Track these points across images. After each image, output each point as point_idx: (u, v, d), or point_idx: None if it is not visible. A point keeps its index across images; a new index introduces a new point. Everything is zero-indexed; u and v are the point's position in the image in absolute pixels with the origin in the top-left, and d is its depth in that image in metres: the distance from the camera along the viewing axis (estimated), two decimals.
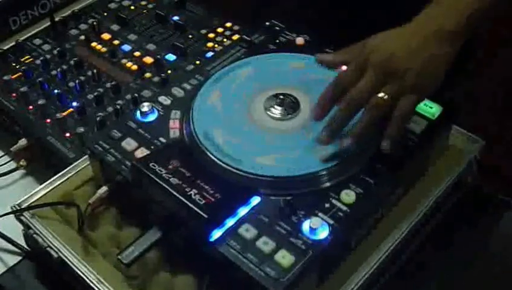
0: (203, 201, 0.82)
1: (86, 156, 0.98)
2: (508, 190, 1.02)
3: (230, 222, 0.82)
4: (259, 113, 0.94)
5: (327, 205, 0.83)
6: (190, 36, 1.23)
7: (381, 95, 0.85)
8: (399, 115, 0.86)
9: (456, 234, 0.97)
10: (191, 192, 0.83)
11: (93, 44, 1.23)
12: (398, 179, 0.89)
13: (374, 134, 0.87)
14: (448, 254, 0.95)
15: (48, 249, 0.91)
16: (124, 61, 1.19)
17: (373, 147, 0.88)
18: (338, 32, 1.02)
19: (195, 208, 0.81)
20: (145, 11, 1.31)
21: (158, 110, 0.97)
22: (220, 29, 1.24)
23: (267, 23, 1.14)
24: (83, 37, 1.25)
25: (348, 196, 0.84)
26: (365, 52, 0.88)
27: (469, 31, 0.88)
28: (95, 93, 1.11)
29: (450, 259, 0.95)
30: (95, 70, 1.15)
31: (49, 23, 1.27)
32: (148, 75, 1.16)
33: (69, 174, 0.99)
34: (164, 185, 0.84)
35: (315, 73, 0.99)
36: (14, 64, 1.20)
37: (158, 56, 1.18)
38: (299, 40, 1.08)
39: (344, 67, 0.91)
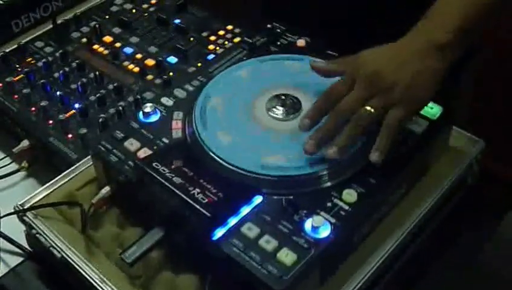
0: (206, 200, 0.82)
1: (89, 156, 0.99)
2: (509, 191, 1.02)
3: (232, 221, 0.82)
4: (262, 114, 0.94)
5: (329, 204, 0.84)
6: (191, 39, 1.24)
7: (367, 108, 0.86)
8: (386, 128, 0.87)
9: (456, 235, 0.97)
10: (194, 191, 0.83)
11: (95, 46, 1.24)
12: (399, 179, 0.90)
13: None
14: (448, 255, 0.95)
15: (51, 249, 0.91)
16: (125, 63, 1.20)
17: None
18: (339, 34, 1.03)
19: (198, 207, 0.81)
20: (146, 14, 1.32)
21: (160, 111, 0.98)
22: (221, 32, 1.24)
23: (269, 26, 1.15)
24: (85, 40, 1.26)
25: (350, 195, 0.84)
26: (356, 66, 0.89)
27: (463, 43, 0.89)
28: (97, 95, 1.12)
29: (451, 259, 0.95)
30: (97, 72, 1.16)
31: (51, 26, 1.28)
32: (149, 77, 1.16)
33: (72, 175, 0.99)
34: (167, 184, 0.84)
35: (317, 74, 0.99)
36: (16, 66, 1.21)
37: (160, 58, 1.19)
38: (300, 42, 1.09)
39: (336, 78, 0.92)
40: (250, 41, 1.17)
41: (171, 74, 1.16)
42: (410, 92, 0.86)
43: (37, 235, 0.93)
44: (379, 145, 0.86)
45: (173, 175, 0.85)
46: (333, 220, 0.82)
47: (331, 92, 0.90)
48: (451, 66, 0.89)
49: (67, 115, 1.09)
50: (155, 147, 0.92)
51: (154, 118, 0.97)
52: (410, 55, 0.88)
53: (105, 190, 0.94)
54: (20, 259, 0.98)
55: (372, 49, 0.90)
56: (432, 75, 0.87)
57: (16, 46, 1.24)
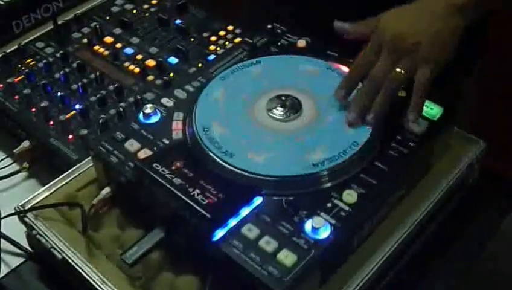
0: (206, 201, 0.82)
1: (89, 157, 0.99)
2: (509, 190, 1.02)
3: (233, 222, 0.82)
4: (262, 114, 0.94)
5: (329, 205, 0.83)
6: (192, 39, 1.24)
7: (397, 70, 0.90)
8: (418, 86, 0.90)
9: (457, 235, 0.97)
10: (194, 192, 0.83)
11: (96, 47, 1.24)
12: (399, 179, 0.90)
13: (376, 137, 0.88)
14: (449, 255, 0.95)
15: (52, 250, 0.91)
16: (126, 64, 1.20)
17: (374, 148, 0.89)
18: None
19: (198, 208, 0.81)
20: (147, 14, 1.32)
21: (161, 112, 0.98)
22: (222, 32, 1.24)
23: (269, 26, 1.15)
24: (85, 40, 1.26)
25: (350, 196, 0.84)
26: (380, 30, 0.92)
27: (478, 7, 0.92)
28: (98, 96, 1.12)
29: (452, 259, 0.95)
30: (97, 73, 1.16)
31: (52, 27, 1.28)
32: (150, 77, 1.16)
33: (73, 176, 1.00)
34: (167, 185, 0.84)
35: (317, 75, 0.99)
36: (17, 67, 1.21)
37: (160, 59, 1.19)
38: (301, 43, 1.09)
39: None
40: (251, 41, 1.17)
41: (171, 74, 1.16)
42: (433, 51, 0.90)
43: (38, 236, 0.93)
44: (415, 105, 0.90)
45: (173, 176, 0.85)
46: (333, 221, 0.82)
47: (361, 61, 0.94)
48: (467, 28, 0.92)
49: (68, 115, 1.09)
50: (155, 148, 0.92)
51: (154, 119, 0.97)
52: (430, 16, 0.91)
53: (106, 190, 0.94)
54: (21, 260, 0.98)
55: (392, 11, 0.94)
56: (452, 34, 0.91)
57: (16, 46, 1.24)
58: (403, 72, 0.90)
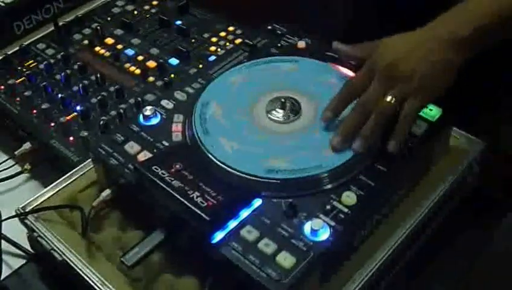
0: (205, 203, 0.82)
1: (90, 159, 0.99)
2: (509, 191, 1.02)
3: (232, 224, 0.82)
4: (261, 116, 0.94)
5: (328, 207, 0.84)
6: (193, 40, 1.24)
7: (388, 99, 0.87)
8: (404, 117, 0.88)
9: (457, 236, 0.97)
10: (193, 195, 0.83)
11: (97, 48, 1.24)
12: (399, 181, 0.90)
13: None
14: (449, 256, 0.95)
15: (52, 251, 0.92)
16: (127, 65, 1.20)
17: (374, 149, 0.89)
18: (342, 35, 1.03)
19: (198, 211, 0.81)
20: (148, 15, 1.32)
21: (161, 114, 0.98)
22: (222, 33, 1.25)
23: (269, 27, 1.15)
24: (86, 42, 1.26)
25: (349, 197, 0.84)
26: (376, 56, 0.90)
27: (481, 43, 0.89)
28: (99, 97, 1.12)
29: (452, 260, 0.95)
30: (98, 75, 1.16)
31: (53, 28, 1.29)
32: (151, 79, 1.16)
33: (73, 178, 1.00)
34: (166, 187, 0.84)
35: (317, 76, 1.00)
36: (18, 68, 1.21)
37: (161, 60, 1.19)
38: (301, 44, 1.09)
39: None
40: (251, 42, 1.17)
41: (172, 75, 1.16)
42: (427, 82, 0.88)
43: (38, 238, 0.93)
44: (397, 135, 0.88)
45: (173, 178, 0.85)
46: (332, 223, 0.82)
47: (353, 84, 0.92)
48: (466, 61, 0.90)
49: (69, 117, 1.10)
50: (155, 150, 0.92)
51: (154, 121, 0.97)
52: (430, 45, 0.89)
53: (106, 192, 0.94)
54: (23, 261, 0.99)
55: (392, 37, 0.92)
56: (449, 67, 0.89)
57: (17, 48, 1.25)
58: (393, 101, 0.87)
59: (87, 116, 1.10)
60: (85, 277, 0.88)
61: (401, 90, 0.87)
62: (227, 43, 1.22)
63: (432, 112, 0.94)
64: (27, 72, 1.18)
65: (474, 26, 0.88)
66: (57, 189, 0.99)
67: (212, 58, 1.18)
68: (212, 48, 1.21)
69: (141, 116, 0.97)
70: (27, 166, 1.09)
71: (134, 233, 0.92)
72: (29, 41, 1.27)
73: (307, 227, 0.81)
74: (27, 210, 0.96)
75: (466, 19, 0.90)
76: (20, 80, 1.18)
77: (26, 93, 1.14)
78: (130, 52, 1.23)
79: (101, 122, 1.07)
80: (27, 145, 1.09)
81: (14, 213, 0.96)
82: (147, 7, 1.34)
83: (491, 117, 1.13)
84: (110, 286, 0.87)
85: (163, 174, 0.86)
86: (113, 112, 1.10)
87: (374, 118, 0.88)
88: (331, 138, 0.89)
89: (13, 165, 1.10)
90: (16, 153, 1.09)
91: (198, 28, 1.27)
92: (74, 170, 1.01)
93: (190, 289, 0.86)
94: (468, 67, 0.89)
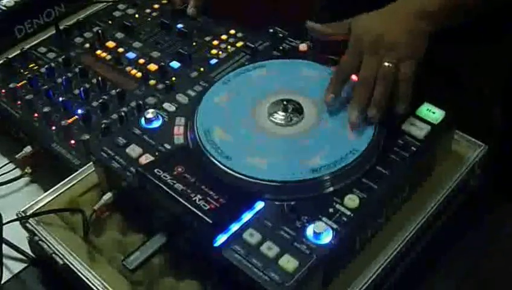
0: (208, 206, 0.82)
1: (91, 162, 0.99)
2: (510, 191, 1.02)
3: (234, 227, 0.82)
4: (264, 119, 0.94)
5: (331, 210, 0.83)
6: (194, 43, 1.24)
7: (386, 64, 0.94)
8: (404, 81, 0.94)
9: (459, 238, 0.97)
10: (196, 197, 0.83)
11: (98, 52, 1.24)
12: (401, 183, 0.90)
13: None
14: (451, 258, 0.95)
15: (53, 255, 0.91)
16: (128, 68, 1.20)
17: (375, 151, 0.89)
18: None
19: (200, 214, 0.81)
20: (149, 18, 1.32)
21: (163, 117, 0.98)
22: (223, 36, 1.24)
23: (271, 30, 1.15)
24: (87, 45, 1.26)
25: (352, 200, 0.84)
26: (354, 38, 0.97)
27: (448, 18, 0.99)
28: (100, 101, 1.12)
29: (454, 263, 0.95)
30: (99, 78, 1.16)
31: (54, 32, 1.28)
32: (152, 82, 1.16)
33: (74, 181, 1.00)
34: (169, 190, 0.84)
35: (319, 79, 0.99)
36: (19, 72, 1.21)
37: (162, 63, 1.19)
38: (303, 47, 1.09)
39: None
40: (253, 46, 1.17)
41: (173, 78, 1.16)
42: (409, 48, 0.95)
43: (40, 241, 0.93)
44: (402, 96, 0.94)
45: (175, 181, 0.85)
46: (335, 226, 0.82)
47: (345, 63, 0.98)
48: (435, 33, 0.98)
49: (70, 120, 1.09)
50: (157, 153, 0.92)
51: (156, 124, 0.97)
52: (402, 19, 0.98)
53: (108, 196, 0.94)
54: (23, 265, 0.98)
55: (364, 15, 1.00)
56: (423, 36, 0.97)
57: (18, 52, 1.24)
58: (391, 65, 0.94)
59: (88, 119, 1.09)
60: (86, 281, 0.88)
61: (392, 56, 0.94)
62: (229, 46, 1.21)
63: (435, 114, 0.94)
64: (28, 76, 1.18)
65: (440, 2, 0.97)
66: (58, 192, 0.98)
67: (214, 61, 1.18)
68: (214, 51, 1.21)
69: (143, 119, 0.97)
70: (28, 169, 1.09)
71: (136, 236, 0.92)
72: (30, 45, 1.27)
73: (310, 230, 0.81)
74: (28, 214, 0.95)
75: None
76: (22, 83, 1.18)
77: (27, 97, 1.14)
78: (131, 55, 1.23)
79: (103, 125, 1.07)
80: (28, 149, 1.09)
81: (15, 217, 0.96)
82: (148, 10, 1.34)
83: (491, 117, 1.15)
84: None
85: (165, 177, 0.86)
86: (114, 115, 1.10)
87: (380, 84, 0.94)
88: (348, 116, 0.93)
89: (14, 169, 1.10)
90: (17, 156, 1.09)
91: (199, 31, 1.26)
92: (75, 174, 1.00)
93: None
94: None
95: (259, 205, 0.85)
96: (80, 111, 1.11)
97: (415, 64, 0.95)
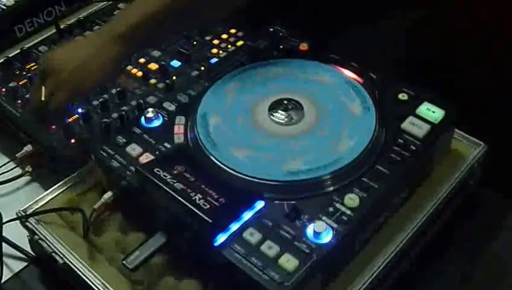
0: (208, 206, 0.82)
1: (91, 162, 0.99)
2: (510, 191, 1.02)
3: (234, 227, 0.82)
4: (264, 118, 0.94)
5: (331, 209, 0.83)
6: (194, 42, 1.23)
7: (40, 88, 0.95)
8: (51, 106, 0.94)
9: (459, 237, 0.97)
10: (196, 197, 0.83)
11: None
12: (401, 183, 0.90)
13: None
14: (451, 257, 0.95)
15: (53, 254, 0.91)
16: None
17: (376, 150, 0.89)
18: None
19: (200, 213, 0.81)
20: None
21: (163, 116, 0.98)
22: (224, 36, 1.24)
23: (271, 29, 1.15)
24: None
25: (352, 200, 0.84)
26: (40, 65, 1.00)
27: (142, 38, 0.97)
28: (100, 100, 1.11)
29: (454, 262, 0.95)
30: None
31: (54, 31, 1.28)
32: (153, 81, 1.16)
33: (74, 180, 1.00)
34: (168, 190, 0.84)
35: (320, 78, 0.99)
36: (19, 71, 1.21)
37: (163, 62, 1.19)
38: (303, 46, 1.09)
39: None
40: (253, 45, 1.17)
41: (174, 77, 1.16)
42: (77, 75, 0.94)
43: (40, 240, 0.93)
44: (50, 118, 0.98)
45: (175, 181, 0.85)
46: (335, 225, 0.82)
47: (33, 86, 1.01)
48: (128, 55, 1.00)
49: (70, 119, 1.09)
50: (157, 153, 0.92)
51: (156, 123, 0.97)
52: (86, 42, 1.00)
53: (108, 195, 0.94)
54: (24, 264, 0.98)
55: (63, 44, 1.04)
56: (105, 61, 0.95)
57: (19, 51, 1.24)
58: (44, 89, 0.94)
59: (88, 118, 1.09)
60: (86, 280, 0.88)
61: (49, 84, 0.94)
62: (229, 46, 1.21)
63: (435, 114, 0.94)
64: (28, 75, 1.18)
65: (131, 23, 0.95)
66: (58, 192, 0.99)
67: (214, 60, 1.18)
68: (214, 50, 1.21)
69: (143, 119, 0.97)
70: (28, 168, 1.09)
71: (136, 236, 0.92)
72: (30, 44, 1.27)
73: (310, 229, 0.81)
74: (28, 213, 0.95)
75: (124, 16, 1.00)
76: (22, 82, 1.18)
77: (27, 96, 1.14)
78: None
79: (103, 124, 1.06)
80: (28, 148, 1.09)
81: (15, 216, 0.96)
82: None
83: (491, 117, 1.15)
84: (112, 289, 0.86)
85: (165, 176, 0.86)
86: (114, 114, 1.09)
87: (28, 108, 1.00)
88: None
89: (14, 168, 1.10)
90: (17, 155, 1.09)
91: (199, 30, 1.26)
92: (75, 173, 1.00)
93: None
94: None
95: (260, 204, 0.84)
96: (80, 110, 1.10)
97: (73, 92, 0.95)
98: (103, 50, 0.95)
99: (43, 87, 0.95)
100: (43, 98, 0.94)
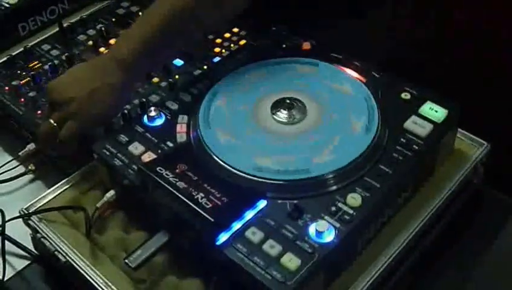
0: (210, 205, 0.82)
1: (94, 160, 0.99)
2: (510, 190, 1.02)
3: (236, 226, 0.82)
4: (266, 117, 0.94)
5: (333, 209, 0.83)
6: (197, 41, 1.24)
7: (49, 121, 0.96)
8: (61, 138, 0.95)
9: (461, 237, 0.97)
10: (198, 196, 0.83)
11: (102, 49, 1.24)
12: (404, 182, 0.89)
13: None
14: (454, 257, 0.95)
15: (56, 253, 0.91)
16: None
17: (378, 149, 0.89)
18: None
19: (202, 212, 0.81)
20: None
21: (165, 115, 0.98)
22: (226, 35, 1.24)
23: (274, 28, 1.15)
24: (91, 43, 1.26)
25: (354, 199, 0.84)
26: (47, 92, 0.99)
27: (145, 62, 0.97)
28: None
29: (456, 262, 0.95)
30: None
31: (57, 29, 1.28)
32: (155, 80, 1.16)
33: (77, 179, 1.00)
34: (171, 189, 0.84)
35: (322, 77, 0.99)
36: (22, 69, 1.21)
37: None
38: (306, 45, 1.09)
39: None
40: (256, 44, 1.16)
41: (177, 76, 1.16)
42: (85, 107, 0.95)
43: (42, 239, 0.93)
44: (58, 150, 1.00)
45: (177, 180, 0.85)
46: (337, 225, 0.82)
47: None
48: (133, 82, 1.01)
49: None
50: (159, 151, 0.92)
51: (159, 122, 0.97)
52: (92, 72, 0.97)
53: (110, 194, 0.94)
54: (27, 262, 0.98)
55: (69, 70, 1.03)
56: (110, 91, 0.96)
57: (22, 49, 1.25)
58: (52, 122, 0.96)
59: None
60: (89, 278, 0.88)
61: (58, 114, 0.96)
62: (232, 44, 1.21)
63: (438, 113, 0.93)
64: (32, 73, 1.18)
65: (133, 49, 0.95)
66: (61, 190, 0.99)
67: (217, 59, 1.18)
68: (217, 49, 1.21)
69: (145, 117, 0.97)
70: (31, 167, 1.09)
71: (138, 234, 0.92)
72: (33, 42, 1.27)
73: (312, 229, 0.81)
74: (31, 211, 0.95)
75: (124, 42, 0.98)
76: (25, 80, 1.18)
77: (30, 94, 1.14)
78: None
79: None
80: (31, 146, 1.09)
81: (18, 214, 0.96)
82: None
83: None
84: (114, 288, 0.87)
85: (168, 175, 0.86)
86: None
87: (38, 138, 1.00)
88: None
89: (17, 166, 1.10)
90: (20, 154, 1.09)
91: None
92: (78, 172, 1.01)
93: None
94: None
95: (262, 203, 0.84)
96: None
97: (82, 123, 0.96)
98: (106, 79, 0.95)
99: (51, 120, 0.97)
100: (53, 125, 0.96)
